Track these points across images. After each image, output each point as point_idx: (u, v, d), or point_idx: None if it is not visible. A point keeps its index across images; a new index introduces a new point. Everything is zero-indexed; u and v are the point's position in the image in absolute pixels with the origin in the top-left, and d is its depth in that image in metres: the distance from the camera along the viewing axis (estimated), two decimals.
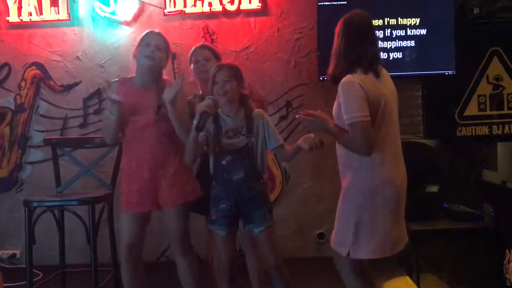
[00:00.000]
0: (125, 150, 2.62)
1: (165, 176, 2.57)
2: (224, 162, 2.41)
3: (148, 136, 2.53)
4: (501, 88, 4.15)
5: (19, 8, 4.09)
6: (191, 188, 2.64)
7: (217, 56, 2.85)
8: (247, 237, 2.71)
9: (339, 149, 2.31)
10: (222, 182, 2.43)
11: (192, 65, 2.86)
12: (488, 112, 4.17)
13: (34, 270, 3.75)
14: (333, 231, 2.34)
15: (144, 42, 2.59)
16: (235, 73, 2.44)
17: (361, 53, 2.24)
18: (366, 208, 2.21)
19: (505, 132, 4.17)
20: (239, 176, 2.39)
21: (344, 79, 2.19)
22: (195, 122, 2.31)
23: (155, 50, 2.55)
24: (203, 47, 2.91)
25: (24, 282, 3.54)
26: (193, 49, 2.91)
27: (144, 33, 2.67)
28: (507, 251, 3.25)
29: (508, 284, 3.24)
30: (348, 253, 2.24)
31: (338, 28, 2.31)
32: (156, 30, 2.69)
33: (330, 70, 2.32)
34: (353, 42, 2.25)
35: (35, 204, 2.70)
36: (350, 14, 2.33)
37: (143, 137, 2.53)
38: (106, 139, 2.60)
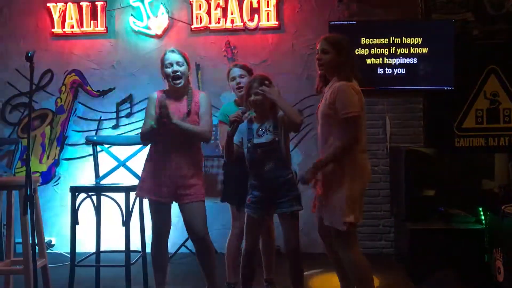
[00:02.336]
0: (155, 147, 3.01)
1: (186, 174, 2.96)
2: (256, 155, 2.81)
3: (175, 139, 2.92)
4: (497, 103, 4.50)
5: (63, 21, 4.62)
6: (204, 188, 3.04)
7: (249, 71, 3.22)
8: (265, 224, 3.07)
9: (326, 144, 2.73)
10: (255, 173, 2.83)
11: (230, 83, 3.25)
12: (484, 125, 4.52)
13: (66, 255, 4.23)
14: (341, 215, 2.63)
15: (167, 62, 2.98)
16: (265, 84, 2.81)
17: (356, 67, 2.76)
18: (353, 185, 2.66)
19: (500, 144, 4.51)
20: (269, 166, 2.79)
21: (343, 83, 2.65)
22: (228, 129, 2.77)
23: (177, 68, 2.97)
24: (236, 66, 3.27)
25: (59, 265, 4.03)
26: (229, 68, 3.28)
27: (163, 54, 3.04)
28: (494, 250, 3.57)
29: (495, 281, 3.55)
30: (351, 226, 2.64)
31: (332, 45, 2.72)
32: (171, 48, 3.05)
33: (334, 77, 2.75)
34: (353, 58, 2.76)
35: (80, 189, 3.13)
36: (339, 35, 2.80)
37: (172, 139, 2.93)
38: (145, 139, 3.05)
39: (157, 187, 2.94)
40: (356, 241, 2.75)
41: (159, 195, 2.94)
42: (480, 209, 3.81)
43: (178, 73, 2.96)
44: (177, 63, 2.97)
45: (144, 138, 3.05)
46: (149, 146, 3.08)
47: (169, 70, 2.96)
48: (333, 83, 2.73)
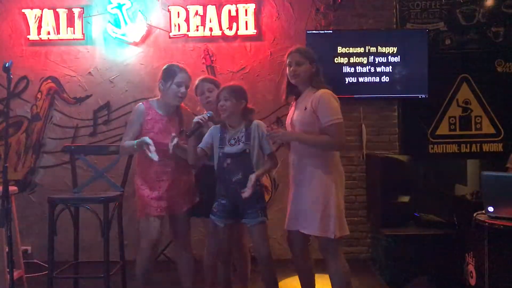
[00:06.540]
0: (146, 165, 2.98)
1: (178, 187, 3.02)
2: (225, 165, 2.83)
3: (168, 156, 2.93)
4: (469, 111, 4.64)
5: (39, 27, 4.55)
6: (194, 195, 3.12)
7: (217, 85, 3.19)
8: (237, 234, 3.12)
9: (307, 148, 2.74)
10: (223, 182, 2.85)
11: (198, 97, 3.24)
12: (457, 132, 4.65)
13: (43, 264, 4.19)
14: (314, 221, 2.68)
15: (178, 80, 2.97)
16: (234, 92, 2.87)
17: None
18: (339, 193, 2.72)
19: (472, 150, 4.65)
20: (237, 177, 2.81)
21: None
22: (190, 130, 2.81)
23: (185, 91, 3.00)
24: (204, 80, 3.25)
25: (36, 274, 3.99)
26: (197, 82, 3.23)
27: (177, 69, 3.01)
28: (466, 254, 3.67)
29: (467, 285, 3.66)
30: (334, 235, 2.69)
31: (305, 56, 2.80)
32: (183, 66, 3.06)
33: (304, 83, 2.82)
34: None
35: (58, 201, 3.10)
36: (307, 47, 2.99)
37: (164, 156, 2.93)
38: (123, 154, 3.14)
39: (158, 202, 2.97)
40: (342, 248, 2.82)
41: (161, 210, 2.98)
42: (454, 215, 3.92)
43: (184, 95, 3.00)
44: (187, 86, 3.01)
45: (123, 152, 3.08)
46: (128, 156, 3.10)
47: (178, 89, 2.97)
48: (309, 91, 2.79)
